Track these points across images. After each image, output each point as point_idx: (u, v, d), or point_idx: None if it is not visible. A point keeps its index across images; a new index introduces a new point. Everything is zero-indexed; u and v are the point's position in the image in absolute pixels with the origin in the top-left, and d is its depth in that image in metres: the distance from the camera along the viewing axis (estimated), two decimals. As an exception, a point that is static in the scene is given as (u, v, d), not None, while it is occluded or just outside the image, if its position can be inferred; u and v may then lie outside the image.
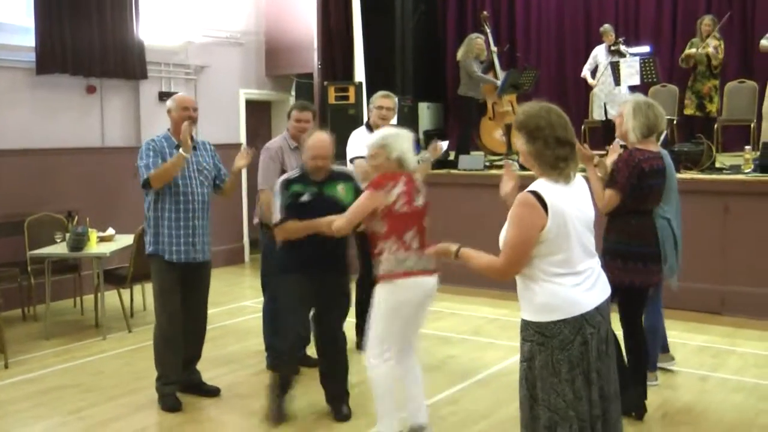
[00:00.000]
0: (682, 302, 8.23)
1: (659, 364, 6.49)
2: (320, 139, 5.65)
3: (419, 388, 5.33)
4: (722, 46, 10.94)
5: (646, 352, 5.78)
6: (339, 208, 5.38)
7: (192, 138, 6.07)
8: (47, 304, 8.29)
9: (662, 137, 8.99)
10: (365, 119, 10.87)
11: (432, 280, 5.12)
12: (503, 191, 4.05)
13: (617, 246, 5.46)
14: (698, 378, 6.63)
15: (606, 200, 5.37)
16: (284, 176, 5.81)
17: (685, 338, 7.75)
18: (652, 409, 5.85)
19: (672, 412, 5.86)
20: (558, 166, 3.72)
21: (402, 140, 5.16)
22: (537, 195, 3.68)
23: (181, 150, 5.85)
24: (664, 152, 6.12)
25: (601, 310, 3.78)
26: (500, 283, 9.06)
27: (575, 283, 3.73)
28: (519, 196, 3.74)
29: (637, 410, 5.66)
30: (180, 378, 6.19)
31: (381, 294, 5.11)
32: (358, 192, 5.46)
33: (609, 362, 3.85)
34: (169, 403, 6.05)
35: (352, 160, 7.30)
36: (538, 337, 3.72)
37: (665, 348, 6.69)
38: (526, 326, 3.79)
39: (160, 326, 6.12)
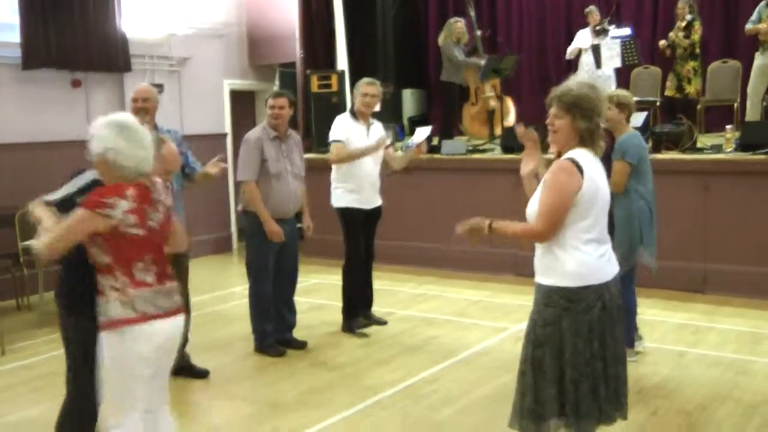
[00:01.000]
0: (664, 281, 8.38)
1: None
2: (174, 152, 4.95)
3: None
4: (697, 26, 11.00)
5: None
6: None
7: (156, 128, 6.18)
8: (40, 294, 8.42)
9: (642, 118, 9.17)
10: (348, 107, 11.03)
11: (177, 323, 4.00)
12: (525, 170, 4.37)
13: None
14: (676, 354, 6.78)
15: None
16: (93, 174, 4.21)
17: (665, 316, 7.91)
18: (630, 384, 5.86)
19: (649, 386, 6.01)
20: (599, 141, 4.10)
21: (135, 143, 3.88)
22: (575, 162, 3.98)
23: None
24: (638, 134, 6.27)
25: (615, 282, 4.15)
26: (484, 265, 9.30)
27: (600, 254, 4.07)
28: (557, 164, 4.03)
29: None
30: None
31: (105, 349, 3.86)
32: None
33: (621, 330, 4.19)
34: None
35: (329, 143, 7.47)
36: (563, 302, 4.03)
37: (630, 342, 6.45)
38: (551, 292, 4.06)
39: None
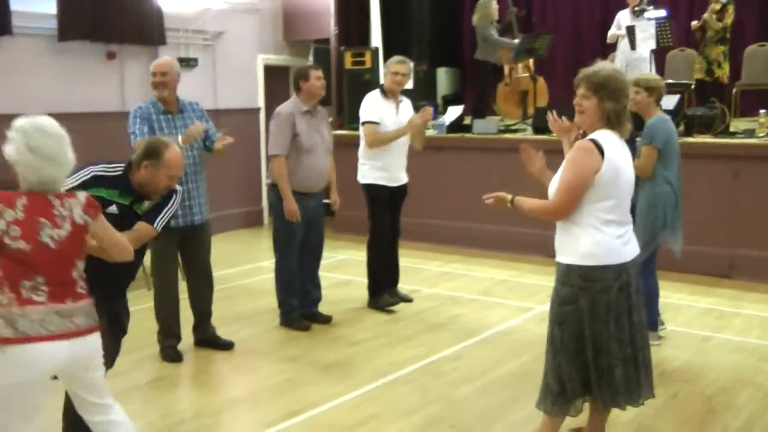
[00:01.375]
0: (691, 266, 8.37)
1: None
2: (182, 158, 4.62)
3: None
4: (730, 10, 10.85)
5: None
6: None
7: (177, 100, 6.27)
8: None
9: (675, 101, 9.10)
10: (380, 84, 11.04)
11: (75, 346, 3.60)
12: (534, 168, 4.53)
13: None
14: (700, 339, 6.76)
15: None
16: (96, 170, 4.46)
17: (691, 300, 7.88)
18: (652, 366, 6.00)
19: (671, 369, 6.00)
20: (626, 123, 4.16)
21: (41, 156, 3.58)
22: (595, 142, 4.05)
23: (179, 138, 5.93)
24: (667, 117, 6.23)
25: (635, 263, 4.22)
26: (511, 245, 9.29)
27: (618, 234, 4.12)
28: (578, 143, 4.12)
29: None
30: (176, 334, 6.44)
31: None
32: None
33: (641, 312, 4.27)
34: (169, 355, 6.33)
35: (363, 124, 7.44)
36: (581, 282, 4.12)
37: (653, 325, 6.47)
38: (569, 271, 4.14)
39: (157, 287, 6.41)
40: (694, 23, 11.11)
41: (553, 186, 4.18)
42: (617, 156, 4.08)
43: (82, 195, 3.71)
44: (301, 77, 6.96)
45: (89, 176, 4.35)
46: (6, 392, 3.52)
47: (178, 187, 4.59)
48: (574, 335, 4.16)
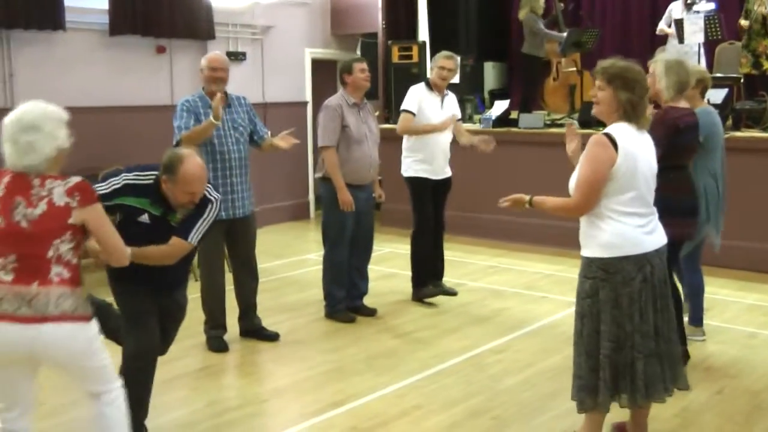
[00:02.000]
0: (738, 261, 8.31)
1: (691, 337, 6.26)
2: (201, 173, 4.44)
3: None
4: None
5: (678, 299, 5.80)
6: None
7: (226, 95, 6.30)
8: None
9: (723, 95, 9.01)
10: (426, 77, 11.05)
11: (28, 332, 3.52)
12: (569, 149, 4.52)
13: (655, 200, 5.49)
14: (747, 335, 6.70)
15: None
16: (129, 177, 4.52)
17: (738, 296, 7.81)
18: (697, 362, 5.97)
19: (717, 365, 5.97)
20: (643, 114, 4.18)
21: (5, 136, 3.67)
22: (609, 136, 4.09)
23: (211, 117, 6.06)
24: (711, 110, 6.18)
25: (660, 254, 4.22)
26: (557, 239, 9.26)
27: (639, 224, 4.15)
28: (592, 138, 4.13)
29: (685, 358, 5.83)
30: (223, 324, 6.53)
31: None
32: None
33: (667, 303, 4.25)
34: (216, 345, 6.42)
35: (401, 111, 7.54)
36: (601, 273, 4.14)
37: (699, 321, 6.51)
38: (590, 263, 4.19)
39: (204, 278, 6.51)
40: (743, 22, 10.96)
41: (573, 182, 4.21)
42: (633, 148, 4.11)
43: (73, 179, 3.70)
44: (345, 71, 7.03)
45: (121, 184, 4.43)
46: None
47: (215, 196, 4.59)
48: (593, 329, 4.19)
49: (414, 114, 7.39)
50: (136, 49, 10.36)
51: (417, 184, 7.50)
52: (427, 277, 7.70)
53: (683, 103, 5.59)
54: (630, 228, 4.12)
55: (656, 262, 4.19)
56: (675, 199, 5.50)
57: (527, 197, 4.41)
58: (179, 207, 4.42)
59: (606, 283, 4.13)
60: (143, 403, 4.63)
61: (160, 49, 10.61)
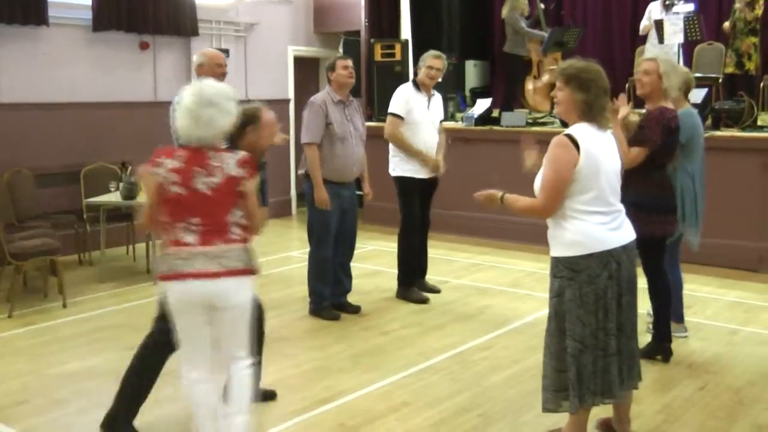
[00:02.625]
0: (720, 259, 8.40)
1: (673, 333, 6.31)
2: (273, 116, 5.06)
3: (238, 409, 4.23)
4: (761, 1, 10.79)
5: (668, 296, 5.95)
6: None
7: None
8: (102, 250, 8.67)
9: (703, 95, 9.10)
10: (411, 76, 11.06)
11: (214, 286, 4.00)
12: (527, 165, 4.50)
13: (640, 199, 5.47)
14: (728, 331, 6.78)
15: (633, 156, 5.50)
16: None
17: (719, 294, 7.90)
18: (680, 359, 6.04)
19: (699, 361, 6.04)
20: (601, 114, 4.20)
21: (182, 113, 4.08)
22: (570, 137, 4.14)
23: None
24: (694, 111, 6.25)
25: (627, 250, 4.26)
26: (541, 237, 9.29)
27: (602, 222, 4.18)
28: (554, 139, 4.17)
29: (664, 353, 5.94)
30: None
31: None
32: None
33: (631, 300, 4.33)
34: None
35: (388, 114, 7.56)
36: (567, 272, 4.19)
37: (680, 317, 6.56)
38: (557, 263, 4.23)
39: None
40: (726, 24, 11.05)
41: (537, 184, 4.25)
42: (595, 148, 4.15)
43: (239, 152, 4.12)
44: (329, 69, 7.06)
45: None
46: (178, 319, 4.09)
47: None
48: (558, 328, 4.25)
49: (402, 118, 7.40)
50: (119, 45, 10.34)
51: (405, 183, 7.52)
52: (414, 275, 7.73)
53: (669, 104, 5.66)
54: (593, 226, 4.16)
55: (623, 258, 4.23)
56: (660, 197, 5.61)
57: (500, 194, 4.44)
58: (262, 153, 4.98)
59: (572, 282, 4.18)
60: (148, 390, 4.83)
61: (144, 46, 10.60)
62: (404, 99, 7.47)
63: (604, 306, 4.18)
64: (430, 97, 7.57)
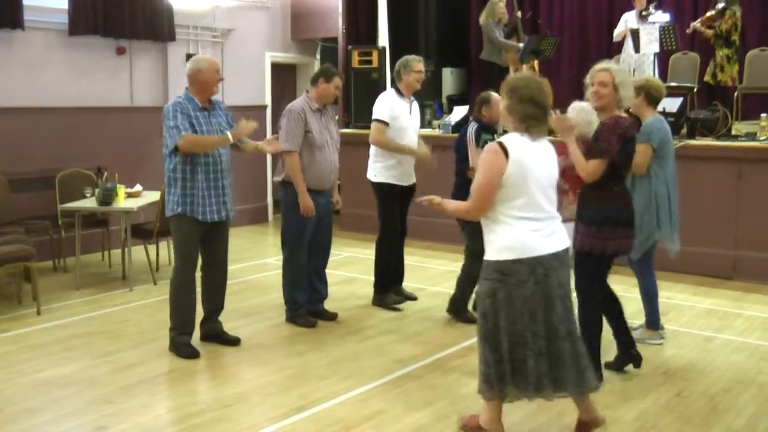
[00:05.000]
0: (694, 266, 8.47)
1: (648, 340, 6.53)
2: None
3: None
4: (728, 16, 10.82)
5: (618, 306, 5.88)
6: None
7: (210, 99, 6.28)
8: (77, 257, 8.59)
9: (678, 104, 9.18)
10: (388, 83, 11.09)
11: None
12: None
13: (595, 214, 5.41)
14: (703, 339, 6.82)
15: (592, 170, 5.32)
16: (473, 126, 6.92)
17: (694, 301, 7.95)
18: (656, 365, 6.09)
19: (674, 368, 6.07)
20: (526, 121, 4.36)
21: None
22: (501, 144, 4.34)
23: (228, 133, 6.12)
24: (662, 118, 6.30)
25: (558, 257, 4.42)
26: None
27: (534, 229, 4.36)
28: (487, 146, 4.42)
29: (638, 360, 5.92)
30: (193, 329, 6.46)
31: None
32: None
33: (566, 305, 4.49)
34: (188, 351, 6.32)
35: (373, 120, 7.50)
36: (497, 275, 4.41)
37: (656, 324, 6.62)
38: (488, 266, 4.43)
39: (180, 282, 6.33)
40: (708, 31, 11.13)
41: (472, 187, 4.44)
42: (525, 156, 4.32)
43: None
44: (324, 76, 6.99)
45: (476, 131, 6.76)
46: None
47: None
48: (494, 326, 4.41)
49: (387, 124, 7.39)
50: (95, 50, 10.30)
51: (386, 190, 7.51)
52: (391, 282, 7.73)
53: (623, 114, 5.60)
54: (523, 232, 4.33)
55: (553, 265, 4.38)
56: (622, 211, 5.48)
57: (438, 199, 4.67)
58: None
59: (502, 285, 4.37)
60: None
61: (120, 50, 10.56)
62: (389, 106, 7.45)
63: (530, 310, 4.36)
64: (411, 102, 7.59)
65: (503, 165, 4.26)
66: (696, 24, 11.15)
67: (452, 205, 4.71)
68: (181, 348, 6.33)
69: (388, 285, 7.74)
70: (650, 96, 6.26)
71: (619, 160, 5.35)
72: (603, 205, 5.43)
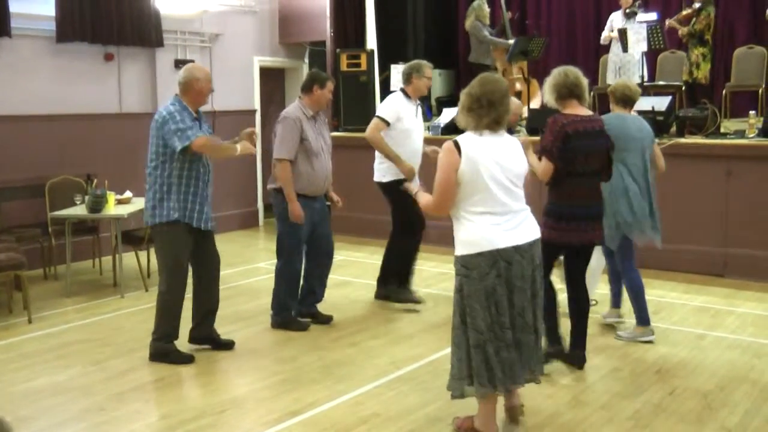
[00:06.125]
0: (685, 264, 8.49)
1: (639, 338, 6.61)
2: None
3: None
4: (702, 16, 10.87)
5: (583, 306, 6.02)
6: None
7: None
8: (68, 264, 8.55)
9: (667, 102, 9.21)
10: (377, 86, 11.11)
11: None
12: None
13: (551, 207, 5.73)
14: (695, 336, 6.83)
15: (542, 169, 5.61)
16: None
17: (686, 299, 7.96)
18: (648, 364, 6.11)
19: (667, 367, 6.08)
20: (484, 122, 4.54)
21: None
22: (455, 142, 4.53)
23: (238, 148, 6.19)
24: (624, 115, 6.39)
25: (520, 250, 4.57)
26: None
27: (494, 223, 4.53)
28: (444, 144, 4.56)
29: (578, 361, 5.99)
30: (178, 336, 6.43)
31: None
32: None
33: (529, 297, 4.66)
34: (183, 357, 6.32)
35: (376, 116, 7.58)
36: (463, 270, 4.59)
37: (646, 321, 6.66)
38: (456, 261, 4.67)
39: (173, 290, 6.28)
40: (683, 30, 11.19)
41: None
42: (476, 153, 4.48)
43: None
44: (318, 82, 6.97)
45: None
46: None
47: None
48: (461, 322, 4.64)
49: (388, 123, 7.39)
50: (83, 57, 10.27)
51: (396, 186, 7.41)
52: (400, 277, 7.81)
53: (581, 110, 5.71)
54: (483, 227, 4.51)
55: (515, 258, 4.53)
56: (569, 206, 5.62)
57: (415, 190, 5.04)
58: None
59: (467, 279, 4.54)
60: None
61: (108, 57, 10.53)
62: (395, 108, 7.44)
63: (495, 302, 4.52)
64: (417, 106, 7.61)
65: (457, 162, 4.45)
66: (671, 21, 11.21)
67: (423, 198, 4.85)
68: (174, 355, 6.30)
69: (398, 280, 7.79)
70: (614, 97, 6.52)
71: (559, 157, 5.51)
72: (553, 200, 5.76)
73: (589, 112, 5.77)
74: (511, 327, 4.55)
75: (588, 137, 5.60)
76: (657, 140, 6.85)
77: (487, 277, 4.47)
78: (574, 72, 5.68)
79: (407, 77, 7.56)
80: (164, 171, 6.08)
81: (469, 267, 4.51)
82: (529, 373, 4.76)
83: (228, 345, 6.61)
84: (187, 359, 6.31)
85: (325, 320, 7.28)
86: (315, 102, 6.96)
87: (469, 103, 4.59)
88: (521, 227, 4.59)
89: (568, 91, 5.65)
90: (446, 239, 9.92)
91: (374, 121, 7.47)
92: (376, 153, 7.59)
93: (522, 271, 4.55)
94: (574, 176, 5.62)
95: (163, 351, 6.32)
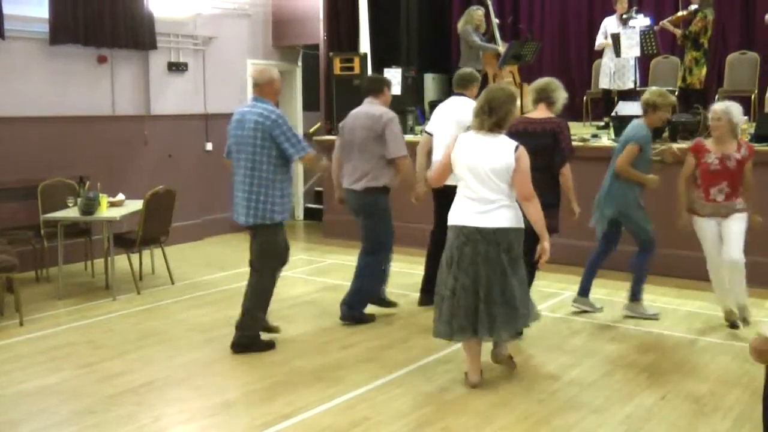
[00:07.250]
0: (676, 269, 8.49)
1: (580, 306, 7.50)
2: None
3: None
4: (698, 18, 10.89)
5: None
6: None
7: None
8: (60, 267, 8.53)
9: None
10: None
11: (713, 224, 7.01)
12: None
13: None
14: (688, 341, 6.85)
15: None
16: None
17: (677, 304, 7.99)
18: (640, 369, 6.12)
19: (659, 371, 6.09)
20: (482, 123, 5.48)
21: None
22: (456, 137, 5.67)
23: (323, 161, 6.89)
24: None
25: (483, 232, 5.42)
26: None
27: (469, 205, 5.48)
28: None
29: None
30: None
31: None
32: None
33: (489, 273, 5.44)
34: (267, 344, 6.69)
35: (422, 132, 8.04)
36: (450, 236, 5.64)
37: (586, 292, 7.48)
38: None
39: (267, 285, 6.63)
40: (678, 32, 11.22)
41: None
42: (463, 147, 5.49)
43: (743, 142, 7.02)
44: (386, 83, 7.47)
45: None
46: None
47: None
48: (440, 275, 5.69)
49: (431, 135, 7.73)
50: (77, 59, 10.25)
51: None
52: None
53: (540, 113, 6.65)
54: (459, 205, 5.55)
55: (476, 238, 5.42)
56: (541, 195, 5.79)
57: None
58: None
59: (448, 243, 5.62)
60: None
61: (102, 59, 10.51)
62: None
63: (455, 268, 5.50)
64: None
65: (452, 151, 5.55)
66: (664, 22, 11.22)
67: (430, 173, 6.25)
68: (260, 344, 6.67)
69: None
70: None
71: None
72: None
73: (549, 116, 6.61)
74: (474, 294, 5.46)
75: (527, 137, 6.21)
76: (651, 145, 7.32)
77: (452, 245, 5.54)
78: (546, 80, 6.69)
79: (469, 84, 7.75)
80: (269, 173, 6.34)
81: (449, 234, 5.60)
82: (489, 335, 5.60)
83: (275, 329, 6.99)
84: (270, 346, 6.67)
85: (392, 304, 7.75)
86: (386, 101, 7.32)
87: (475, 109, 5.54)
88: (492, 215, 5.41)
89: (537, 96, 6.71)
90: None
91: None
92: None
93: (487, 252, 5.42)
94: (535, 170, 5.72)
95: (253, 341, 6.62)
